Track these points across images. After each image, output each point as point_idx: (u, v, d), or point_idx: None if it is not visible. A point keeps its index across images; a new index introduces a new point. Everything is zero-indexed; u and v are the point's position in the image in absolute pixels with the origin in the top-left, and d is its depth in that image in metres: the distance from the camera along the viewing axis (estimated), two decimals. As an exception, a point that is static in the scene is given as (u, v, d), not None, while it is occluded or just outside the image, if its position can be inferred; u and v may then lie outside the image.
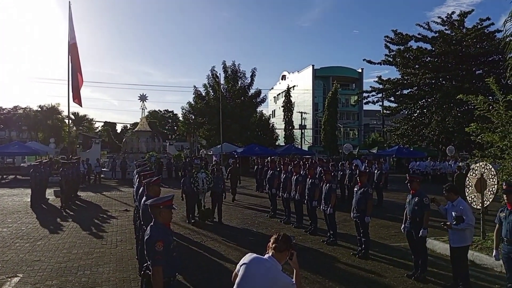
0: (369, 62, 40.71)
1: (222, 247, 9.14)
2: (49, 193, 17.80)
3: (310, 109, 62.21)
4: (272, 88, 72.46)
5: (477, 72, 35.55)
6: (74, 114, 60.53)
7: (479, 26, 35.45)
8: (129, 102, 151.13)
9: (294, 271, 3.06)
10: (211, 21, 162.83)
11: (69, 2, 22.19)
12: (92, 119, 70.53)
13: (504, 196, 5.49)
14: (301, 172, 11.65)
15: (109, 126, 68.87)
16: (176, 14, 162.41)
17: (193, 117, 43.60)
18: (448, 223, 6.30)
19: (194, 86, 43.20)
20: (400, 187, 22.10)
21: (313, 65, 63.21)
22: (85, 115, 67.32)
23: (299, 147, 45.82)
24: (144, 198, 5.66)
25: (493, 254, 5.76)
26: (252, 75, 42.40)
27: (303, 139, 56.41)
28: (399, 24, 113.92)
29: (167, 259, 3.70)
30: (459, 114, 34.46)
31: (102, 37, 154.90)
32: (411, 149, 36.37)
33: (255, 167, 22.72)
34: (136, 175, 9.69)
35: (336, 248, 9.03)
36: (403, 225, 7.26)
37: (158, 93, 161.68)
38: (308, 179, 10.64)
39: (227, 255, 8.45)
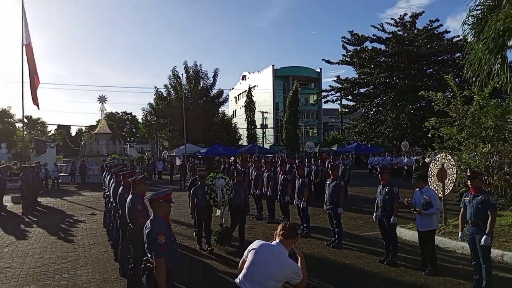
0: (328, 62, 42.01)
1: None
2: (6, 200, 16.94)
3: (271, 108, 62.92)
4: (232, 88, 72.60)
5: (428, 71, 37.62)
6: (27, 117, 57.57)
7: (429, 27, 37.54)
8: (83, 104, 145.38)
9: (299, 258, 3.28)
10: (167, 20, 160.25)
11: (22, 1, 21.21)
12: (45, 122, 67.35)
13: (468, 182, 6.01)
14: (272, 169, 11.91)
15: (63, 129, 66.10)
16: (131, 13, 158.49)
17: (154, 118, 42.88)
18: (418, 209, 6.78)
19: (155, 87, 42.54)
20: (360, 181, 23.04)
21: (273, 65, 64.02)
22: (38, 118, 64.22)
23: (262, 146, 46.34)
24: (130, 197, 5.65)
25: (459, 235, 6.27)
26: (215, 75, 42.41)
27: (264, 138, 56.99)
28: (353, 25, 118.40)
29: (168, 251, 3.80)
30: (412, 111, 36.34)
31: (51, 38, 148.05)
32: (369, 146, 37.90)
33: (222, 166, 22.81)
34: (108, 177, 9.53)
35: (310, 240, 9.36)
36: (374, 214, 7.69)
37: (115, 95, 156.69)
38: (280, 175, 10.93)
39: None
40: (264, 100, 63.36)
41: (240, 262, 3.25)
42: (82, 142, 36.32)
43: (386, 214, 7.36)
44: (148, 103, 42.89)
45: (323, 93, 44.99)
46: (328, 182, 8.97)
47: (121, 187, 6.81)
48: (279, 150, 45.96)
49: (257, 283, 3.09)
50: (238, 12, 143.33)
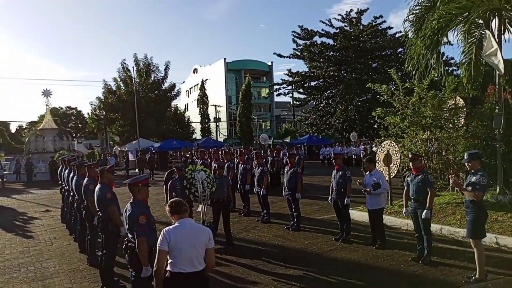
0: (279, 55, 43.00)
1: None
2: None
3: (223, 102, 63.06)
4: (184, 82, 71.77)
5: (373, 65, 39.61)
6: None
7: (373, 23, 39.46)
8: (22, 100, 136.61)
9: None
10: (113, 12, 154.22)
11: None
12: (-19, 119, 62.75)
13: (410, 163, 6.79)
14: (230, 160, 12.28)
15: (2, 125, 62.03)
16: (75, 4, 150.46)
17: (103, 112, 41.56)
18: (368, 189, 7.51)
19: (104, 80, 41.14)
20: (314, 171, 24.08)
21: (225, 58, 64.01)
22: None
23: (216, 139, 46.51)
24: (99, 186, 5.85)
25: (403, 211, 7.07)
26: (166, 69, 41.81)
27: (218, 131, 57.13)
28: (302, 19, 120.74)
29: (149, 231, 4.12)
30: (359, 104, 38.21)
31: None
32: (320, 137, 39.36)
33: (182, 159, 22.86)
34: (67, 171, 9.43)
35: (271, 225, 9.90)
36: (330, 196, 8.36)
37: (58, 89, 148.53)
38: (240, 165, 11.36)
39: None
40: (216, 93, 63.37)
41: (161, 256, 3.44)
42: (26, 139, 34.52)
43: (340, 196, 8.05)
44: (97, 97, 41.50)
45: (275, 86, 45.94)
46: (286, 169, 9.55)
47: (86, 178, 6.91)
48: (233, 143, 46.35)
49: (195, 259, 3.46)
50: (187, 5, 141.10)
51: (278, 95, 46.05)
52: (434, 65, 8.53)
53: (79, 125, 77.29)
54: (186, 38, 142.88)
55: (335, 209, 8.33)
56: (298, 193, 9.18)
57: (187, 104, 69.14)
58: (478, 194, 5.47)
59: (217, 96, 60.57)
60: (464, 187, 5.65)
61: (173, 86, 43.15)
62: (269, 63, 67.33)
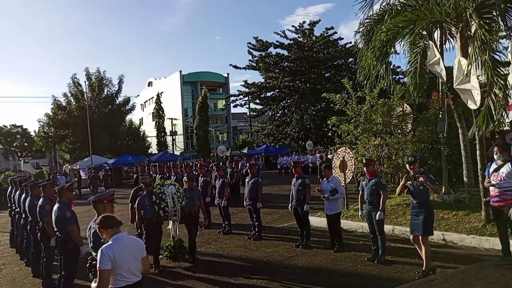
0: (235, 67, 43.31)
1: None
2: None
3: (179, 115, 62.43)
4: (138, 96, 70.37)
5: (326, 74, 40.94)
6: None
7: (325, 34, 40.91)
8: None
9: None
10: (64, 23, 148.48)
11: None
12: None
13: (364, 168, 7.14)
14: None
15: None
16: (20, 14, 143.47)
17: (52, 129, 39.80)
18: (326, 195, 7.78)
19: (53, 96, 39.50)
20: (272, 181, 24.34)
21: (180, 71, 63.59)
22: None
23: (172, 153, 45.85)
24: (57, 205, 5.65)
25: (359, 214, 7.39)
26: (120, 82, 40.88)
27: (174, 145, 56.38)
28: (256, 30, 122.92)
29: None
30: (314, 113, 39.26)
31: None
32: (277, 147, 39.96)
33: (134, 175, 22.35)
34: (18, 192, 8.98)
35: (232, 236, 9.94)
36: (290, 204, 8.56)
37: (2, 106, 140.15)
38: (200, 177, 11.33)
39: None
40: (172, 106, 62.66)
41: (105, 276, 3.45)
42: (-32, 160, 32.30)
43: (300, 203, 8.27)
44: (45, 114, 39.72)
45: (232, 98, 46.18)
46: (247, 180, 9.66)
47: (41, 199, 6.66)
48: (190, 156, 45.90)
49: (136, 270, 3.62)
50: (141, 17, 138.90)
51: (235, 106, 46.36)
52: (384, 75, 9.06)
53: (25, 143, 73.26)
54: (140, 50, 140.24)
55: (295, 216, 8.53)
56: (259, 202, 9.31)
57: (141, 118, 67.73)
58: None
59: (173, 109, 59.89)
60: (424, 185, 5.96)
61: (127, 100, 42.26)
62: (225, 75, 67.63)
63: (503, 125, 8.01)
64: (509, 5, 7.76)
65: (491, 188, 6.05)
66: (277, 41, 41.25)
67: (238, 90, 44.50)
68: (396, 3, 9.04)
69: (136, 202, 7.68)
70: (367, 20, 9.53)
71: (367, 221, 7.11)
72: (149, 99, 66.46)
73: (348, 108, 11.15)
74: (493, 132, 7.89)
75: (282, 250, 8.20)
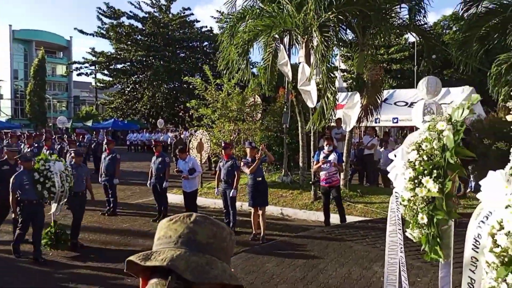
0: (81, 32, 39.50)
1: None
2: None
3: (7, 76, 53.68)
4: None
5: (181, 54, 40.95)
6: None
7: (182, 14, 40.70)
8: None
9: None
10: None
11: None
12: None
13: (223, 150, 8.02)
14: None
15: None
16: None
17: None
18: (185, 175, 8.39)
19: None
20: (121, 158, 23.65)
21: (10, 25, 54.38)
22: None
23: (-3, 119, 39.48)
24: None
25: (215, 191, 8.27)
26: None
27: (-1, 110, 48.49)
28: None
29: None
30: (167, 91, 39.01)
31: None
32: (126, 122, 38.47)
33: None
34: None
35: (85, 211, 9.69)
36: (149, 181, 8.90)
37: None
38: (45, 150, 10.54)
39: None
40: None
41: None
42: None
43: (160, 180, 8.71)
44: None
45: (76, 65, 42.05)
46: (103, 156, 9.54)
47: None
48: (21, 124, 40.29)
49: None
50: None
51: (79, 74, 42.16)
52: (244, 70, 10.08)
53: None
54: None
55: (154, 193, 8.94)
56: (116, 178, 9.35)
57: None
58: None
59: (-1, 68, 51.23)
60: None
61: None
62: (68, 38, 60.80)
63: (331, 121, 9.99)
64: (340, 25, 9.70)
65: (321, 172, 7.63)
66: (131, 12, 39.26)
67: (83, 58, 40.82)
68: (256, 7, 10.14)
69: (11, 180, 6.19)
70: (231, 16, 10.41)
71: (222, 197, 8.04)
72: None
73: (207, 93, 11.91)
74: (323, 127, 9.77)
75: (138, 225, 8.54)
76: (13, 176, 6.18)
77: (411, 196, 2.58)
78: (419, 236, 2.63)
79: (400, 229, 2.89)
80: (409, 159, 2.67)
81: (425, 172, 2.56)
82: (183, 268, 0.85)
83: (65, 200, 6.68)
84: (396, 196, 2.78)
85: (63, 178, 6.42)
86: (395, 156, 2.86)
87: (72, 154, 7.75)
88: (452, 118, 2.68)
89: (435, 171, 2.53)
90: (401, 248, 2.87)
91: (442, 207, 2.48)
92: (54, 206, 6.62)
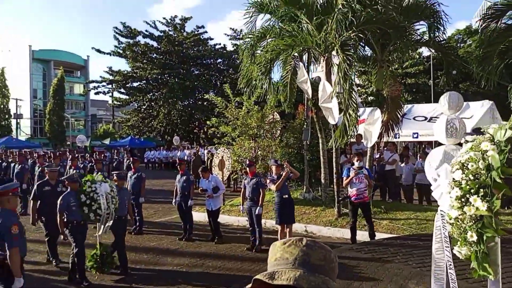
0: (98, 51, 40.48)
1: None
2: None
3: (26, 95, 55.09)
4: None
5: (195, 72, 41.62)
6: None
7: (196, 32, 41.50)
8: None
9: None
10: None
11: None
12: None
13: (247, 168, 8.12)
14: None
15: None
16: None
17: None
18: (210, 194, 8.50)
19: None
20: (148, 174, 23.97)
21: (30, 45, 56.09)
22: None
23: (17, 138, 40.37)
24: None
25: (241, 209, 8.34)
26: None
27: (19, 129, 49.60)
28: (120, 15, 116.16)
29: (20, 240, 4.03)
30: (181, 108, 39.53)
31: None
32: (142, 140, 39.00)
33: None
34: None
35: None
36: (174, 199, 9.02)
37: None
38: (71, 169, 10.79)
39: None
40: (16, 85, 54.86)
41: None
42: None
43: (184, 198, 8.82)
44: None
45: (93, 84, 43.02)
46: (129, 174, 9.72)
47: None
48: (40, 143, 41.14)
49: None
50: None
51: (96, 93, 43.12)
52: (267, 88, 10.26)
53: None
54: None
55: (179, 211, 9.03)
56: (141, 197, 9.49)
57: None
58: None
59: (18, 88, 52.56)
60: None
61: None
62: (85, 57, 62.34)
63: (352, 137, 10.04)
64: (359, 42, 9.82)
65: (351, 188, 7.64)
66: (146, 31, 40.18)
67: (100, 76, 41.78)
68: (277, 27, 10.36)
69: (58, 201, 6.13)
70: (250, 35, 10.64)
71: (247, 215, 8.10)
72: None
73: (227, 111, 12.09)
74: (345, 143, 9.81)
75: (165, 243, 8.64)
76: (60, 197, 6.16)
77: (459, 215, 2.64)
78: (468, 253, 2.67)
79: (448, 247, 2.94)
80: (454, 179, 2.73)
81: (472, 191, 2.62)
82: (306, 286, 0.99)
83: (111, 222, 6.48)
84: (442, 214, 2.83)
85: (109, 200, 6.27)
86: (439, 175, 2.92)
87: (114, 178, 7.56)
88: (495, 138, 2.75)
89: (481, 190, 2.59)
90: (450, 265, 2.91)
91: (490, 225, 2.53)
92: (102, 228, 6.44)
